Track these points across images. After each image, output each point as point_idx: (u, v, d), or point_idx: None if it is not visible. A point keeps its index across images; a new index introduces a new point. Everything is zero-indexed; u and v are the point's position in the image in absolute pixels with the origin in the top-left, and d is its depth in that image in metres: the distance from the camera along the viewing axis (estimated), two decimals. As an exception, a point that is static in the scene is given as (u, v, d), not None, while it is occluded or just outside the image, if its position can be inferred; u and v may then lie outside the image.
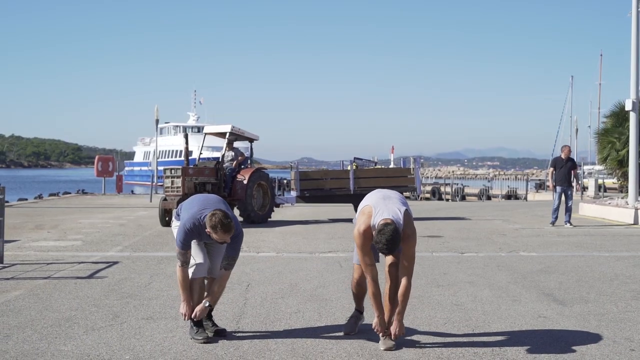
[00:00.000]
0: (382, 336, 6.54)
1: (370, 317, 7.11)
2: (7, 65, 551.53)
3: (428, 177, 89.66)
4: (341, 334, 6.97)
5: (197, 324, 6.73)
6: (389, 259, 6.65)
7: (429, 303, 8.55)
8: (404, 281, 6.47)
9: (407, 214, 6.46)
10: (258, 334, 6.97)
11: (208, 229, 6.42)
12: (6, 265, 11.53)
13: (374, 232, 6.35)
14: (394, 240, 6.16)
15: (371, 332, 6.74)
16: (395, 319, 6.52)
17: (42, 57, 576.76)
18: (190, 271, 6.78)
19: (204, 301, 6.73)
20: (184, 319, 6.79)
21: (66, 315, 7.76)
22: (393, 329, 6.49)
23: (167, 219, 18.91)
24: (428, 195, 50.06)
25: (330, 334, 6.94)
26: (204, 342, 6.57)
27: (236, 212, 19.33)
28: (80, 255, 12.89)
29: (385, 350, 6.41)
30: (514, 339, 6.83)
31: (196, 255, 6.82)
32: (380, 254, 6.57)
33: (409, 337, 6.81)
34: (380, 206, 6.47)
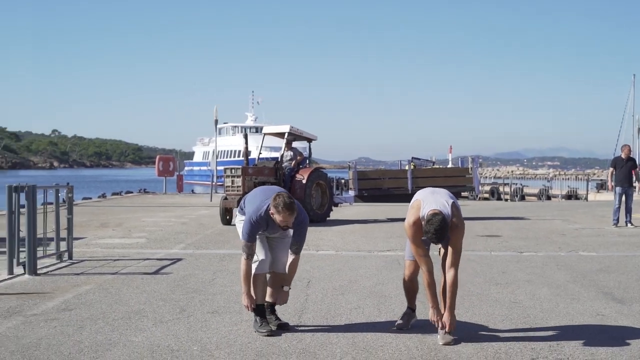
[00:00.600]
0: (440, 328, 6.70)
1: (423, 313, 7.27)
2: (70, 66, 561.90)
3: (486, 177, 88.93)
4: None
5: (262, 317, 6.97)
6: (445, 253, 6.83)
7: (487, 300, 8.67)
8: (451, 272, 6.70)
9: (454, 206, 6.71)
10: (319, 328, 7.18)
11: (272, 210, 6.70)
12: (75, 261, 11.94)
13: (423, 223, 6.57)
14: (442, 229, 6.40)
15: (430, 327, 6.90)
16: (447, 312, 6.69)
17: (104, 58, 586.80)
18: (253, 267, 7.01)
19: (283, 287, 7.04)
20: (248, 310, 7.03)
21: (135, 308, 8.08)
22: (445, 322, 6.66)
23: (227, 217, 19.27)
24: (487, 195, 49.80)
25: (390, 329, 7.11)
26: (268, 335, 6.80)
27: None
28: (145, 252, 13.26)
29: (444, 344, 6.57)
30: (571, 335, 6.92)
31: (259, 252, 7.05)
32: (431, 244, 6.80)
33: (467, 333, 6.94)
34: (428, 199, 6.76)
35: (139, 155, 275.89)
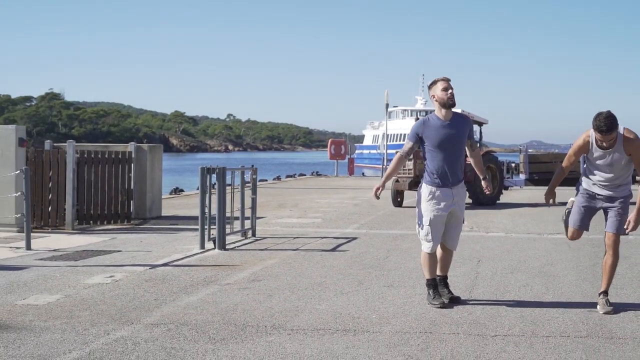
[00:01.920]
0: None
1: (591, 294, 7.56)
2: (241, 54, 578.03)
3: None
4: (568, 304, 7.48)
5: (434, 290, 7.49)
6: (610, 235, 7.19)
7: (656, 282, 8.84)
8: None
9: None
10: (489, 302, 7.62)
11: (431, 90, 7.53)
12: (258, 238, 12.87)
13: (591, 139, 7.10)
14: (611, 117, 6.82)
15: (596, 304, 7.22)
16: (634, 213, 7.09)
17: (275, 46, 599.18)
18: (429, 246, 7.51)
19: (483, 179, 7.88)
20: (374, 193, 7.60)
21: (317, 281, 8.80)
22: (631, 220, 7.09)
23: (398, 199, 19.83)
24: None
25: (557, 306, 7.46)
26: (440, 307, 7.32)
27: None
28: (321, 231, 14.05)
29: (604, 314, 7.02)
30: None
31: (434, 235, 7.51)
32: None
33: (632, 311, 7.19)
34: None
35: (310, 139, 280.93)
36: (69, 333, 6.32)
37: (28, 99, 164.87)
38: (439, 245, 7.60)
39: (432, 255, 7.55)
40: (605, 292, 7.29)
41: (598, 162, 7.17)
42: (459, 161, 7.57)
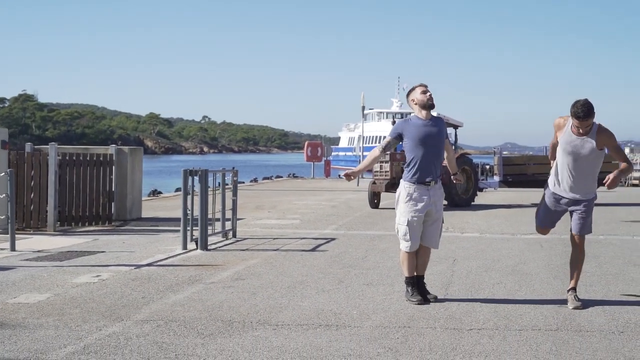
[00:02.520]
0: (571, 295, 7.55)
1: (561, 291, 7.90)
2: (221, 58, 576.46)
3: (637, 163, 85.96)
4: (539, 301, 7.83)
5: (412, 287, 7.80)
6: (574, 235, 7.58)
7: (623, 279, 9.20)
8: (622, 162, 7.65)
9: None
10: (464, 299, 7.95)
11: (411, 96, 7.93)
12: (239, 239, 13.14)
13: (567, 124, 7.48)
14: (588, 104, 7.18)
15: (566, 300, 7.57)
16: (615, 172, 7.48)
17: (253, 51, 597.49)
18: (407, 245, 7.81)
19: (455, 175, 8.69)
20: (343, 174, 8.16)
21: (299, 279, 9.09)
22: (609, 177, 7.41)
23: (375, 201, 20.14)
24: (636, 182, 48.71)
25: (529, 302, 7.80)
26: (418, 304, 7.64)
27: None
28: (300, 232, 14.34)
29: (573, 309, 7.40)
30: (702, 311, 7.39)
31: (413, 235, 7.80)
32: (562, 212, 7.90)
33: (600, 307, 7.55)
34: None
35: (285, 141, 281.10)
36: (62, 329, 6.57)
37: (1, 100, 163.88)
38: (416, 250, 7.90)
39: (410, 253, 7.85)
40: (574, 289, 7.66)
41: (568, 146, 7.50)
42: (438, 159, 7.91)
